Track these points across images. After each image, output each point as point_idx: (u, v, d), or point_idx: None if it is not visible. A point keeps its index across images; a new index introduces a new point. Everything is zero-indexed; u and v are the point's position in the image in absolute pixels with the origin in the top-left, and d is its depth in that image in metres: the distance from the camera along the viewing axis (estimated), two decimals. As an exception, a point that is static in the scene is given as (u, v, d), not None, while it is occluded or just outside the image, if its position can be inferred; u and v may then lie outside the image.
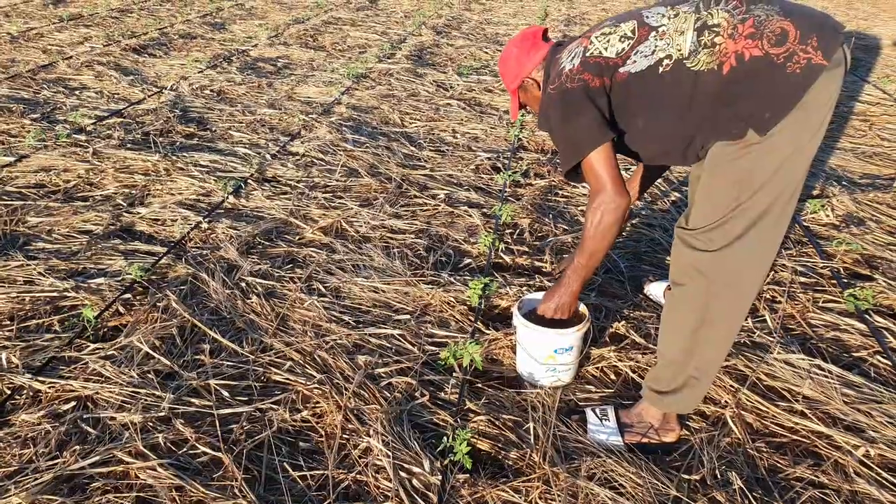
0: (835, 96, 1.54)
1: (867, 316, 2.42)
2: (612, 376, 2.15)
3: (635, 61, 1.64)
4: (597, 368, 2.17)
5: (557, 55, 1.83)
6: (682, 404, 1.82)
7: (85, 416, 1.89)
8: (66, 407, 1.92)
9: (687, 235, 1.68)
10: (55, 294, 2.40)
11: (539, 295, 2.19)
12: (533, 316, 2.09)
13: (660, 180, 3.53)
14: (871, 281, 2.66)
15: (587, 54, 1.70)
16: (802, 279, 2.66)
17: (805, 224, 3.11)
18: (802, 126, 1.53)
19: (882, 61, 6.25)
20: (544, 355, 2.01)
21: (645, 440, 1.86)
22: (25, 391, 1.97)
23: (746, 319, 2.37)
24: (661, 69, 1.61)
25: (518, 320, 2.04)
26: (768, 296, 2.54)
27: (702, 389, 1.79)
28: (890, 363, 2.20)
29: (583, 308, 2.11)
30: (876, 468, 1.79)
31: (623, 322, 2.36)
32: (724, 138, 1.60)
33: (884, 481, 1.76)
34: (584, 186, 3.38)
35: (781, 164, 1.54)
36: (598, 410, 1.95)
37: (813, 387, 2.06)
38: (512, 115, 2.07)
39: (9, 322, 2.26)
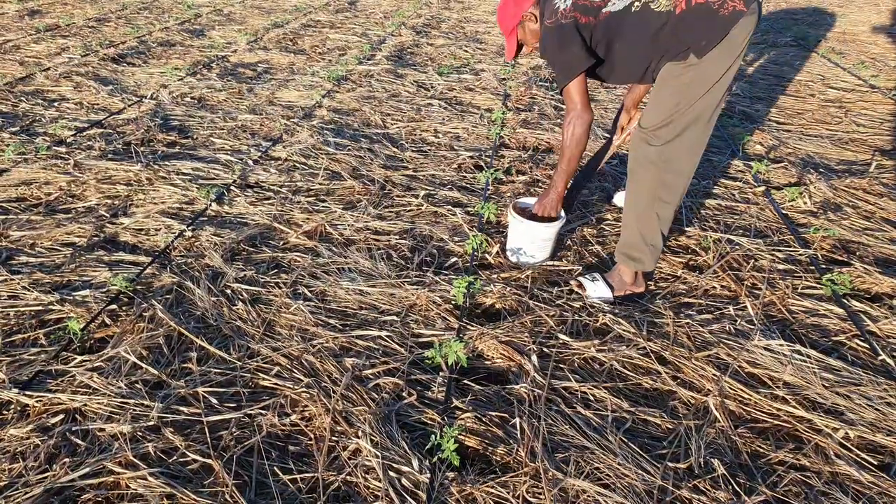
0: (750, 34, 2.06)
1: (845, 300, 2.46)
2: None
3: (614, 3, 2.16)
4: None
5: None
6: (647, 265, 2.42)
7: (74, 429, 1.89)
8: (54, 420, 1.93)
9: (643, 133, 2.24)
10: (40, 308, 2.40)
11: (530, 199, 2.78)
12: (525, 214, 2.65)
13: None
14: (848, 266, 2.70)
15: None
16: (782, 266, 2.70)
17: (784, 212, 3.16)
18: (728, 53, 2.06)
19: (857, 48, 6.33)
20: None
21: (627, 292, 2.49)
22: (13, 406, 1.97)
23: (728, 307, 2.42)
24: (633, 9, 2.13)
25: (511, 214, 2.66)
26: (749, 283, 2.58)
27: (657, 252, 2.39)
28: (867, 346, 2.24)
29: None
30: (855, 450, 1.83)
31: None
32: (673, 60, 2.13)
33: (863, 462, 1.80)
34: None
35: (713, 79, 2.09)
36: (589, 276, 2.54)
37: (793, 372, 2.10)
38: (507, 56, 2.54)
39: (-6, 337, 2.25)
